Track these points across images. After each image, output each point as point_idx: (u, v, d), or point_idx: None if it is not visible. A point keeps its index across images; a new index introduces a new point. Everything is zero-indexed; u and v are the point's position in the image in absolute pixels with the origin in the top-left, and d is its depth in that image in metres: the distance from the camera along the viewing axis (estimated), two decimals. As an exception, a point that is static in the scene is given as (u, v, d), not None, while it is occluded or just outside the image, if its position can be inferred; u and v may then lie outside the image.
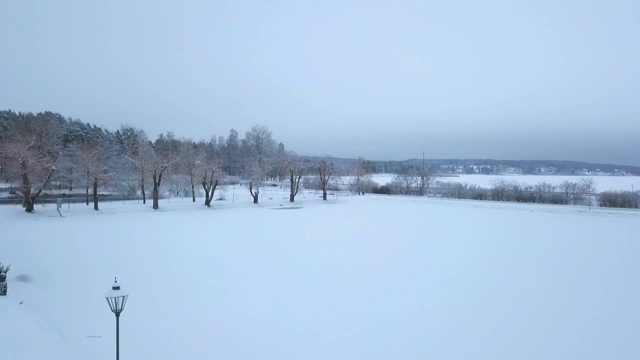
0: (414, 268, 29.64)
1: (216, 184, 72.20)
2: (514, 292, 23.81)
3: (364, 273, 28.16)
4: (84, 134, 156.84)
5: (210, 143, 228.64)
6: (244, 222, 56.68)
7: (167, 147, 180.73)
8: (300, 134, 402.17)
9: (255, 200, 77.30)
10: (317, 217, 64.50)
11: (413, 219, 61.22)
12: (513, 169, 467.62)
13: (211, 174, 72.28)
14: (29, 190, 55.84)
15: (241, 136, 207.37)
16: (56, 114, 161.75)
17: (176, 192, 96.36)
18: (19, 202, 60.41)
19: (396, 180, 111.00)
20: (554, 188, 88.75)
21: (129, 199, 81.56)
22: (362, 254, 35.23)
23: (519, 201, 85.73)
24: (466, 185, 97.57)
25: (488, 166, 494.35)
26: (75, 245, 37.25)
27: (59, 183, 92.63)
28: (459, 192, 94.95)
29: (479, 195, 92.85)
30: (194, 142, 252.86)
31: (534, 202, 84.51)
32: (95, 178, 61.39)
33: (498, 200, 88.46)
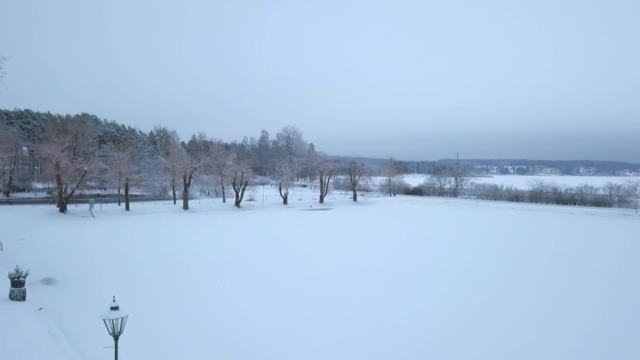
0: (445, 275, 27.89)
1: (246, 185, 71.82)
2: (557, 304, 21.83)
3: (392, 279, 26.65)
4: (118, 135, 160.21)
5: (242, 144, 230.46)
6: (272, 224, 55.88)
7: (199, 147, 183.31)
8: (331, 134, 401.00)
9: (285, 202, 76.51)
10: (346, 219, 63.10)
11: (446, 222, 58.97)
12: (550, 169, 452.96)
13: (241, 174, 71.86)
14: (62, 191, 56.57)
15: (272, 137, 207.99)
16: (92, 116, 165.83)
17: (207, 192, 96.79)
18: (53, 202, 61.37)
19: (429, 181, 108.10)
20: (596, 190, 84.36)
21: (160, 199, 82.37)
22: (390, 258, 33.73)
23: (558, 203, 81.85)
24: (502, 186, 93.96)
25: (523, 166, 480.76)
26: (103, 246, 37.13)
27: (93, 183, 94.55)
28: (495, 194, 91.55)
29: (515, 197, 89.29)
30: (225, 143, 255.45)
31: (574, 204, 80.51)
32: (127, 179, 61.82)
33: (536, 202, 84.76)
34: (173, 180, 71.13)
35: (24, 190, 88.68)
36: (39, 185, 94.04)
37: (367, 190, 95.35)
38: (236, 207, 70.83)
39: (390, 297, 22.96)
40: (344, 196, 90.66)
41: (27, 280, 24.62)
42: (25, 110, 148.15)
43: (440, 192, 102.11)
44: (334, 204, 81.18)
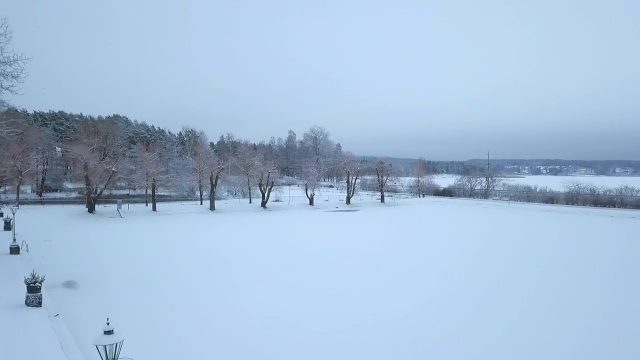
0: (476, 283, 26.24)
1: (272, 186, 71.18)
2: (596, 321, 19.97)
3: (420, 284, 25.23)
4: (148, 135, 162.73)
5: (269, 144, 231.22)
6: (297, 225, 55.03)
7: (227, 148, 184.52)
8: (358, 134, 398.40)
9: (311, 202, 75.55)
10: (373, 220, 61.74)
11: (476, 224, 56.82)
12: (584, 169, 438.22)
13: (267, 175, 71.29)
14: (91, 192, 57.06)
15: (299, 137, 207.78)
16: (123, 117, 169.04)
17: (234, 192, 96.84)
18: (83, 202, 62.06)
19: (459, 182, 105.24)
20: (637, 192, 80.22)
21: (188, 199, 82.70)
22: (417, 262, 32.37)
23: (596, 206, 78.17)
24: (536, 187, 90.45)
25: (556, 167, 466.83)
26: (128, 248, 36.90)
27: (123, 184, 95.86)
28: (528, 195, 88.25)
29: (550, 198, 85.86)
30: (253, 144, 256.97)
31: (613, 207, 76.71)
32: (154, 180, 61.95)
33: (572, 204, 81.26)
34: (200, 181, 71.12)
35: (56, 190, 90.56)
36: (70, 186, 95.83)
37: (395, 191, 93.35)
38: (262, 207, 70.27)
39: (421, 302, 21.59)
40: (371, 197, 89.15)
41: (48, 283, 24.31)
42: (59, 111, 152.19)
43: (471, 194, 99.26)
44: (360, 205, 79.78)
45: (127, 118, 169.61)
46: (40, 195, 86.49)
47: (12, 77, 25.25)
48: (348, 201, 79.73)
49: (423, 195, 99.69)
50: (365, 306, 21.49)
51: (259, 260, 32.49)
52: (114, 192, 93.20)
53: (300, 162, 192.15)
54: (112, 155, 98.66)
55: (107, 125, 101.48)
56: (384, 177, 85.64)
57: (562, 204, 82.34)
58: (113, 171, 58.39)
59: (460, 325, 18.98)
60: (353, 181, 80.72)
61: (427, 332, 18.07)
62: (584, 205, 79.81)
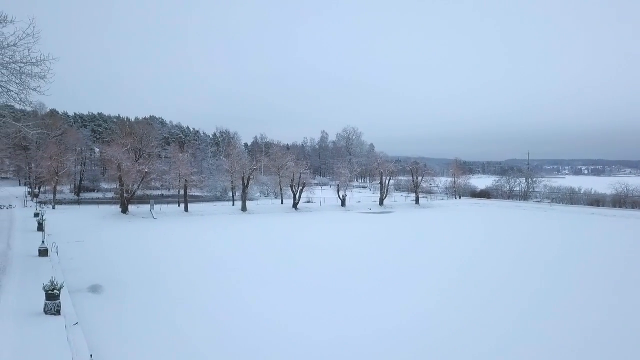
0: (519, 293, 24.14)
1: (304, 187, 70.08)
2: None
3: (460, 290, 23.38)
4: (183, 136, 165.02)
5: (302, 145, 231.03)
6: (328, 227, 53.76)
7: (260, 149, 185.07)
8: (391, 134, 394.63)
9: (343, 204, 74.07)
10: (407, 223, 59.71)
11: (516, 228, 53.96)
12: (629, 170, 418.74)
13: (299, 176, 70.27)
14: (124, 192, 57.40)
15: (332, 138, 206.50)
16: (159, 118, 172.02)
17: (266, 193, 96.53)
18: (117, 203, 62.56)
19: (497, 183, 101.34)
20: (694, 194, 75.12)
21: (221, 200, 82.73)
22: (454, 266, 30.49)
23: (647, 209, 73.56)
24: (580, 189, 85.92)
25: (599, 167, 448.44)
26: (160, 249, 36.44)
27: (158, 184, 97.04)
28: (571, 198, 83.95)
29: (595, 201, 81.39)
30: (286, 145, 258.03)
31: (667, 210, 71.95)
32: (186, 181, 61.87)
33: (620, 207, 76.70)
34: (232, 182, 70.80)
35: (93, 191, 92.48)
36: (107, 186, 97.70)
37: (430, 192, 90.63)
38: (294, 209, 69.28)
39: (462, 311, 19.83)
40: (406, 199, 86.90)
41: (73, 287, 23.87)
42: (99, 113, 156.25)
43: (510, 195, 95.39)
44: (394, 207, 77.72)
45: (162, 119, 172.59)
46: (78, 195, 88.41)
47: (40, 78, 24.79)
48: (381, 203, 77.81)
49: (459, 197, 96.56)
50: (403, 316, 19.90)
51: (290, 265, 31.31)
52: (148, 192, 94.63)
53: (333, 162, 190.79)
54: (146, 156, 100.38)
55: (142, 126, 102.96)
56: (419, 178, 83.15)
57: (609, 207, 77.83)
58: (146, 172, 58.55)
59: (509, 337, 17.15)
60: (387, 182, 78.68)
61: (479, 345, 16.35)
62: (633, 208, 75.18)
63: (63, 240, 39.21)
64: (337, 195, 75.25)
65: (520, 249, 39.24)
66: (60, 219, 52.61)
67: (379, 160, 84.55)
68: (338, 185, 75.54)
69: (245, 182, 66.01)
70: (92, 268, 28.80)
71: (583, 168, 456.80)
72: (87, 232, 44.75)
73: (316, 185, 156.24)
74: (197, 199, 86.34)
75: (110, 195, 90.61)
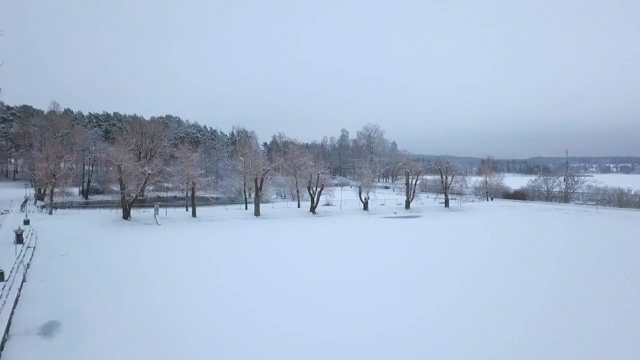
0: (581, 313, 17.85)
1: (322, 189, 64.08)
2: None
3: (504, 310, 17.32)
4: (200, 135, 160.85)
5: (322, 143, 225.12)
6: (349, 235, 47.89)
7: (278, 148, 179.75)
8: (410, 131, 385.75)
9: (365, 207, 67.88)
10: (438, 229, 53.40)
11: (563, 235, 46.99)
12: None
13: (317, 177, 64.39)
14: (125, 196, 52.48)
15: (352, 136, 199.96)
16: (175, 117, 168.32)
17: (283, 195, 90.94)
18: (117, 207, 57.52)
19: (533, 184, 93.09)
20: None
21: (235, 202, 77.33)
22: (496, 279, 24.78)
23: None
24: (629, 190, 77.53)
25: (628, 164, 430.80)
26: (152, 264, 31.09)
27: (170, 185, 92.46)
28: (619, 199, 75.85)
29: (646, 202, 73.32)
30: (306, 143, 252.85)
31: None
32: (193, 183, 56.59)
33: (676, 209, 68.58)
34: (245, 184, 65.34)
35: (102, 192, 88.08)
36: (117, 188, 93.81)
37: (459, 193, 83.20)
38: (311, 213, 63.46)
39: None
40: (433, 200, 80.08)
41: (22, 327, 18.57)
42: (114, 113, 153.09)
43: (548, 197, 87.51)
44: (421, 210, 71.14)
45: (179, 118, 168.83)
46: (87, 197, 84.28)
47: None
48: (407, 206, 71.29)
49: (491, 198, 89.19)
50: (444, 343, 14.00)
51: (305, 285, 25.45)
52: (160, 194, 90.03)
53: (354, 161, 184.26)
54: (157, 156, 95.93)
55: (154, 125, 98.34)
56: (449, 178, 76.12)
57: (663, 209, 69.76)
58: (149, 174, 53.49)
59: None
60: (413, 183, 72.03)
61: None
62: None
63: (45, 254, 34.32)
64: (359, 198, 69.08)
65: (577, 263, 32.70)
66: (54, 226, 47.88)
67: (404, 159, 77.93)
68: (359, 187, 69.30)
69: (259, 183, 60.43)
70: (60, 294, 23.50)
71: (611, 165, 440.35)
72: (77, 242, 39.76)
73: (336, 185, 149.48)
74: (209, 202, 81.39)
75: (119, 197, 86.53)
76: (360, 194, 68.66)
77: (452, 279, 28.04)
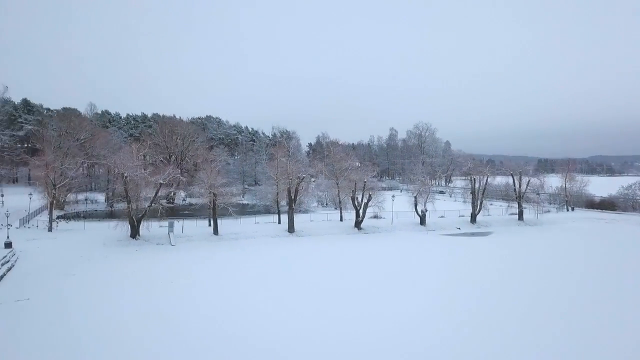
0: None
1: (369, 200, 53.03)
2: None
3: None
4: (240, 137, 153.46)
5: (368, 144, 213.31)
6: (405, 260, 37.08)
7: (321, 149, 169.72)
8: (458, 129, 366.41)
9: (422, 222, 56.42)
10: (517, 251, 41.71)
11: None
12: None
13: (362, 185, 53.61)
14: (131, 210, 43.92)
15: (401, 135, 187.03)
16: (216, 118, 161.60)
17: (324, 203, 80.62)
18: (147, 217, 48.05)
19: (626, 191, 76.97)
20: None
21: (270, 212, 66.98)
22: None
23: None
24: None
25: None
26: (146, 314, 21.51)
27: (202, 190, 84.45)
28: None
29: None
30: (352, 143, 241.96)
31: None
32: (214, 194, 47.28)
33: None
34: (277, 194, 55.48)
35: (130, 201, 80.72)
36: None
37: (527, 200, 67.97)
38: (356, 229, 52.83)
39: None
40: (503, 211, 66.92)
41: None
42: (154, 114, 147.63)
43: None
44: (490, 225, 58.81)
45: (219, 119, 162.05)
46: (112, 206, 77.31)
47: None
48: (473, 219, 59.02)
49: (572, 208, 74.79)
50: None
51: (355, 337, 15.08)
52: (193, 201, 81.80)
53: (403, 163, 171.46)
54: (189, 159, 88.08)
55: (185, 126, 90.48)
56: (522, 184, 62.72)
57: None
58: (161, 183, 44.67)
59: None
60: (479, 191, 59.50)
61: None
62: None
63: (6, 294, 25.82)
64: (414, 209, 57.58)
65: None
66: (44, 248, 39.82)
67: (470, 163, 64.81)
68: (415, 197, 57.61)
69: (293, 194, 50.38)
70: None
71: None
72: (59, 274, 31.25)
73: (384, 189, 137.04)
74: (242, 210, 72.37)
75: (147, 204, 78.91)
76: (415, 205, 57.17)
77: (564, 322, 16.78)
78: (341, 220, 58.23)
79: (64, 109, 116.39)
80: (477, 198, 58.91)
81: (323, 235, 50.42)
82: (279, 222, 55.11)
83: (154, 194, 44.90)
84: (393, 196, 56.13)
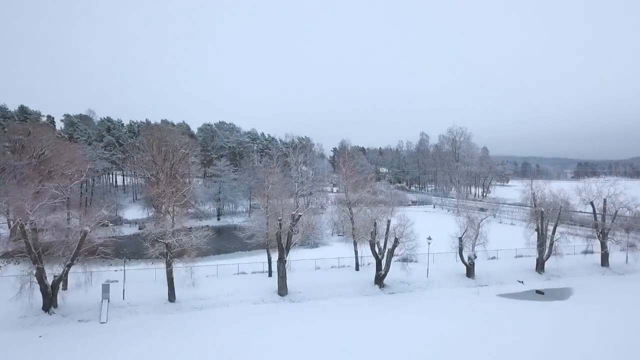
0: None
1: (396, 244, 37.20)
2: None
3: None
4: (253, 144, 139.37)
5: (397, 149, 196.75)
6: (454, 350, 21.85)
7: (343, 158, 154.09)
8: (489, 132, 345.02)
9: (470, 272, 40.54)
10: (624, 330, 25.74)
11: None
12: None
13: (387, 224, 38.15)
14: (43, 273, 29.83)
15: (433, 140, 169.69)
16: (229, 124, 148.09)
17: (341, 231, 65.14)
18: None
19: None
20: None
21: (272, 245, 51.77)
22: None
23: None
24: None
25: None
26: None
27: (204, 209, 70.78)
28: None
29: None
30: (379, 148, 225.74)
31: None
32: (167, 245, 32.62)
33: None
34: (267, 234, 40.36)
35: (116, 223, 66.52)
36: (130, 217, 73.24)
37: (618, 241, 48.65)
38: (377, 286, 37.46)
39: None
40: (575, 249, 49.73)
41: None
42: (162, 120, 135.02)
43: None
44: (564, 274, 42.52)
45: (233, 125, 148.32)
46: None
47: None
48: (540, 267, 42.60)
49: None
50: None
51: None
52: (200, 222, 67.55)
53: (435, 170, 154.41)
54: (179, 175, 74.17)
55: (172, 134, 75.92)
56: (606, 217, 45.65)
57: None
58: (86, 233, 30.31)
59: None
60: (551, 229, 42.89)
61: None
62: None
63: None
64: (459, 255, 41.48)
65: None
66: None
67: (537, 193, 45.02)
68: (460, 241, 41.29)
69: (284, 241, 35.35)
70: None
71: None
72: None
73: (413, 203, 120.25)
74: (233, 244, 58.05)
75: (128, 231, 64.93)
76: (460, 249, 41.16)
77: None
78: (357, 268, 42.83)
79: (21, 108, 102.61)
80: (546, 238, 42.44)
81: (329, 299, 35.32)
82: (270, 275, 40.16)
83: (76, 247, 30.45)
84: (429, 239, 40.24)
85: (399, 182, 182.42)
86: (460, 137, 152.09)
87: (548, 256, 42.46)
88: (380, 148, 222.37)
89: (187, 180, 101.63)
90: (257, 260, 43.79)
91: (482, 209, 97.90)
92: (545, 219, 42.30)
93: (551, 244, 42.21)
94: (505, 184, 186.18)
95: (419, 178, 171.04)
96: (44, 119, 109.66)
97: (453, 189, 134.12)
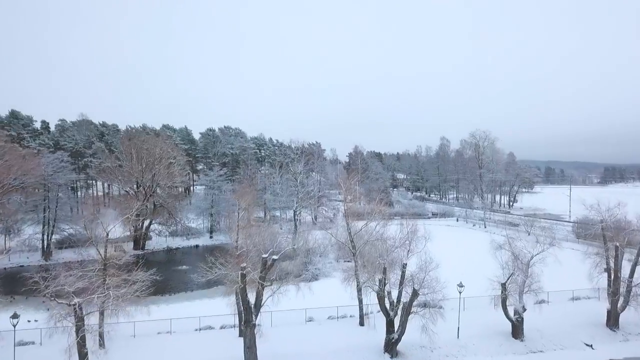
0: None
1: (414, 300, 26.33)
2: None
3: None
4: (259, 152, 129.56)
5: (415, 154, 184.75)
6: None
7: (356, 164, 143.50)
8: (510, 137, 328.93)
9: (516, 332, 29.39)
10: None
11: None
12: None
13: (401, 273, 27.31)
14: None
15: (454, 145, 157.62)
16: (235, 129, 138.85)
17: (347, 256, 54.37)
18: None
19: None
20: None
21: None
22: None
23: None
24: None
25: None
26: None
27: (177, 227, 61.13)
28: None
29: None
30: (397, 153, 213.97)
31: None
32: (76, 307, 22.35)
33: None
34: (240, 276, 29.62)
35: (75, 246, 57.09)
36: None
37: None
38: (387, 355, 26.60)
39: None
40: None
41: None
42: (164, 125, 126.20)
43: None
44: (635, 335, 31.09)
45: (239, 129, 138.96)
46: (47, 258, 54.60)
47: None
48: (613, 322, 31.23)
49: None
50: None
51: None
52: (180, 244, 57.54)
53: (457, 178, 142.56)
54: (163, 188, 64.42)
55: (153, 141, 66.00)
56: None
57: None
58: None
59: None
60: (627, 267, 31.64)
61: None
62: None
63: None
64: (504, 313, 30.14)
65: None
66: None
67: (608, 220, 33.10)
68: (503, 286, 30.11)
69: (251, 298, 24.73)
70: None
71: None
72: None
73: (434, 215, 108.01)
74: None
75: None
76: (503, 302, 29.90)
77: None
78: (362, 323, 31.87)
79: (12, 113, 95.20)
80: (621, 281, 31.05)
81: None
82: (240, 334, 29.35)
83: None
84: (460, 286, 29.31)
85: (417, 190, 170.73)
86: (484, 142, 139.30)
87: (624, 307, 31.06)
88: (397, 153, 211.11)
89: (181, 190, 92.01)
90: (229, 307, 32.87)
91: (512, 224, 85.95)
92: (620, 254, 30.87)
93: (629, 290, 30.79)
94: (530, 190, 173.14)
95: (439, 186, 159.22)
96: (37, 124, 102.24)
97: (476, 197, 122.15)
